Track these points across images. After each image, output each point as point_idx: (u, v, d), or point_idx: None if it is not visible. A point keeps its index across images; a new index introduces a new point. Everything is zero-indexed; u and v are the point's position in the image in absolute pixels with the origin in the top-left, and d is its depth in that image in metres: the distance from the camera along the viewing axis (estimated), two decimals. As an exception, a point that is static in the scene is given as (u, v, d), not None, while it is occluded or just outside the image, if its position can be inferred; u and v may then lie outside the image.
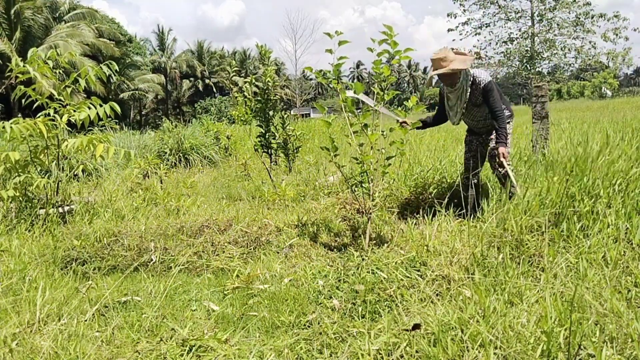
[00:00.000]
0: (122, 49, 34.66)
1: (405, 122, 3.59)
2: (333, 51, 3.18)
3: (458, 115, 3.80)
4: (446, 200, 3.62)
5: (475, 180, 3.84)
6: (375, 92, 3.29)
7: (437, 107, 4.08)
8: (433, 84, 3.83)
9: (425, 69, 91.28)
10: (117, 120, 9.26)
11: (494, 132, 3.70)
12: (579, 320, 1.79)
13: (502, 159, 3.48)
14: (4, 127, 3.97)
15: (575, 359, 1.66)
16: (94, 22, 30.90)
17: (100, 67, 4.55)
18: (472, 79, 3.63)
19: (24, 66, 4.22)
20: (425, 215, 3.63)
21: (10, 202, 4.21)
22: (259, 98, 6.35)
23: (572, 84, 52.68)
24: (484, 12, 20.16)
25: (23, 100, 4.37)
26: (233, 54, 53.58)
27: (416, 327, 1.98)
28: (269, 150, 6.79)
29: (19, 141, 4.33)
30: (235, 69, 7.14)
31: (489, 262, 2.58)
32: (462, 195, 3.80)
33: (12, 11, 26.35)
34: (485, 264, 2.57)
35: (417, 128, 3.73)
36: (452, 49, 3.69)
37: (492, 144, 3.74)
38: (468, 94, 3.64)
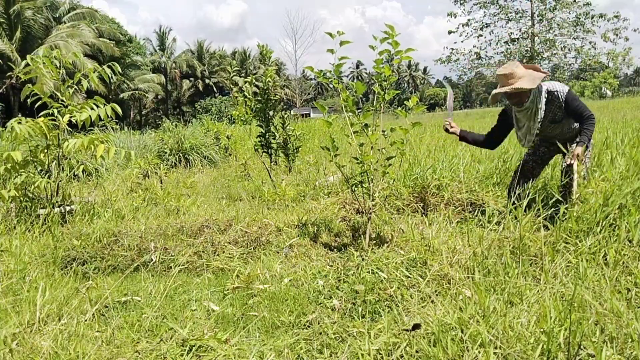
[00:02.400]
0: (122, 49, 34.69)
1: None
2: (334, 51, 3.19)
3: (530, 137, 3.37)
4: (446, 200, 3.62)
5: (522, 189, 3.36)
6: (376, 92, 3.29)
7: (492, 128, 3.62)
8: (498, 100, 3.43)
9: (425, 69, 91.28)
10: (117, 120, 9.26)
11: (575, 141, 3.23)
12: (579, 320, 1.79)
13: (573, 158, 3.09)
14: (12, 128, 3.98)
15: (575, 359, 1.66)
16: (94, 22, 30.93)
17: (103, 68, 4.57)
18: (547, 95, 3.26)
19: (27, 65, 4.22)
20: (425, 215, 3.63)
21: (11, 202, 4.21)
22: (259, 98, 6.35)
23: (573, 84, 52.68)
24: (484, 12, 20.17)
25: (28, 100, 4.37)
26: (233, 54, 53.59)
27: (416, 327, 1.98)
28: (269, 150, 6.79)
29: (19, 141, 4.34)
30: (236, 69, 7.13)
31: (489, 262, 2.58)
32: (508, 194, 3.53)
33: (13, 11, 26.36)
34: (485, 264, 2.57)
35: (462, 140, 3.57)
36: (522, 62, 3.38)
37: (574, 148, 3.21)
38: (543, 112, 3.27)
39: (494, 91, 3.33)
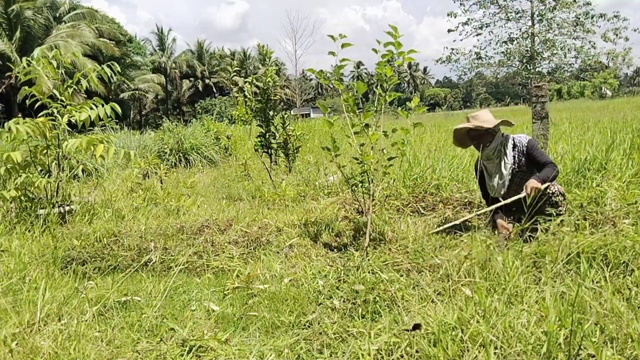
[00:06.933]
0: (122, 49, 34.65)
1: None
2: (336, 54, 3.20)
3: (501, 185, 3.33)
4: (445, 199, 3.62)
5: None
6: (377, 93, 3.30)
7: (480, 185, 3.63)
8: (456, 139, 3.49)
9: (425, 69, 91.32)
10: (117, 121, 9.26)
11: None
12: (579, 321, 1.79)
13: (528, 190, 2.97)
14: (9, 129, 3.98)
15: (575, 359, 1.66)
16: (94, 22, 30.88)
17: (103, 67, 4.57)
18: (512, 141, 3.34)
19: (28, 66, 4.22)
20: (425, 215, 3.63)
21: (11, 203, 4.21)
22: (259, 98, 6.35)
23: (573, 84, 52.62)
24: (484, 12, 20.16)
25: (27, 101, 4.37)
26: (232, 54, 53.56)
27: (416, 327, 1.97)
28: (269, 150, 6.79)
29: (19, 142, 4.33)
30: (236, 69, 7.14)
31: (489, 262, 2.57)
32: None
33: (12, 11, 26.35)
34: (485, 264, 2.56)
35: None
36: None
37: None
38: (510, 157, 3.31)
39: (457, 126, 3.41)
